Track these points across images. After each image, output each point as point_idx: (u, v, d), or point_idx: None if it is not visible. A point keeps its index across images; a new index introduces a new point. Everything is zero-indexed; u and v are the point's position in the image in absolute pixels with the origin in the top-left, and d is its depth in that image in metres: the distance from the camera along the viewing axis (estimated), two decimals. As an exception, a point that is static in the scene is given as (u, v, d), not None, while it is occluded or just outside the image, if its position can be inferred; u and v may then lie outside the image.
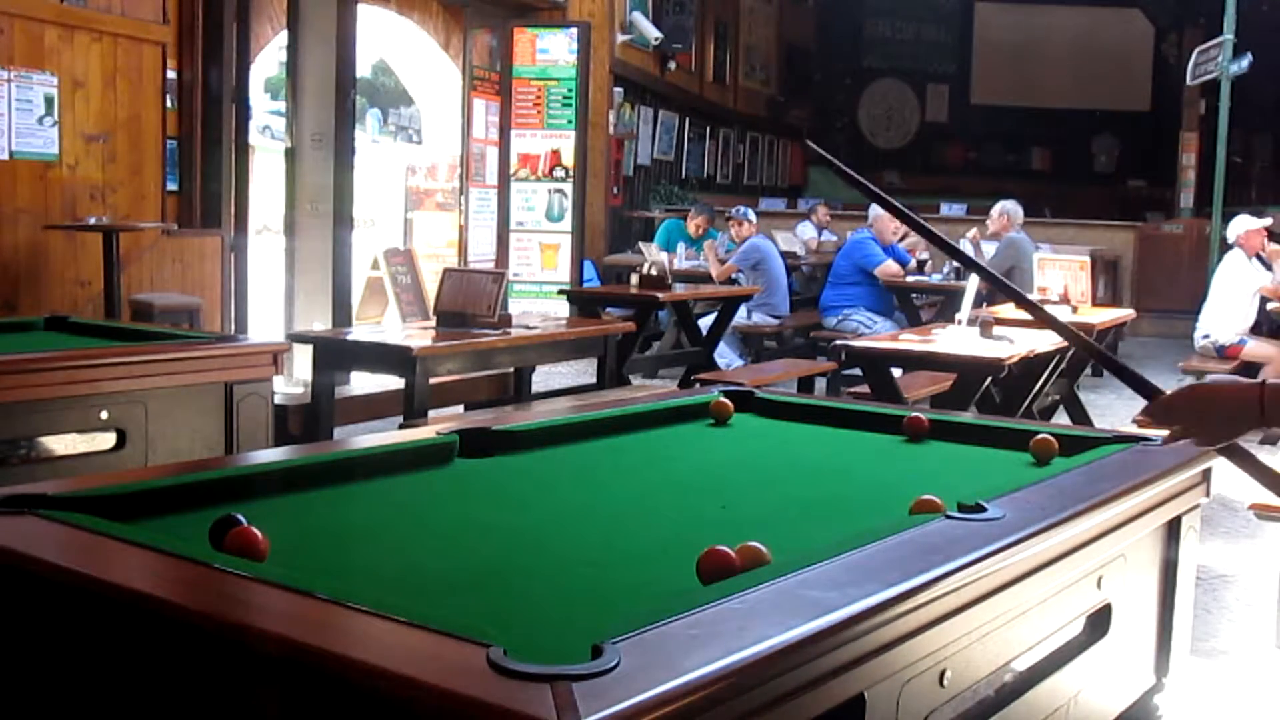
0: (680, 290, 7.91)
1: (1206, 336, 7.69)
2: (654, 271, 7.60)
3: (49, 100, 6.29)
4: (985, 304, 6.65)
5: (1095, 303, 7.83)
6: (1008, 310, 5.94)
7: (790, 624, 1.38)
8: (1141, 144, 17.30)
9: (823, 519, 2.05)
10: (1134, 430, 2.56)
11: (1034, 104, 17.65)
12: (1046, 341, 5.42)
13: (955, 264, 9.03)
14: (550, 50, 9.50)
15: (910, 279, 8.80)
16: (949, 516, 1.85)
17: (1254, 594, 4.25)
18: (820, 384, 7.48)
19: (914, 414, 2.80)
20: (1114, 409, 7.69)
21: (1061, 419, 6.53)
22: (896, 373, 5.67)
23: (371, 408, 5.89)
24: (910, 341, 5.65)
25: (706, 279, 9.03)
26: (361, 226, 9.99)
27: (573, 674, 1.21)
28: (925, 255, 9.73)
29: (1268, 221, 7.83)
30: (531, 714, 1.13)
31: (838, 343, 5.61)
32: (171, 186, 7.02)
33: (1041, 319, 2.03)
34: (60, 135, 6.35)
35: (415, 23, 9.22)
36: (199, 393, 3.82)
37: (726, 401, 2.95)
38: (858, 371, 5.86)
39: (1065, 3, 17.58)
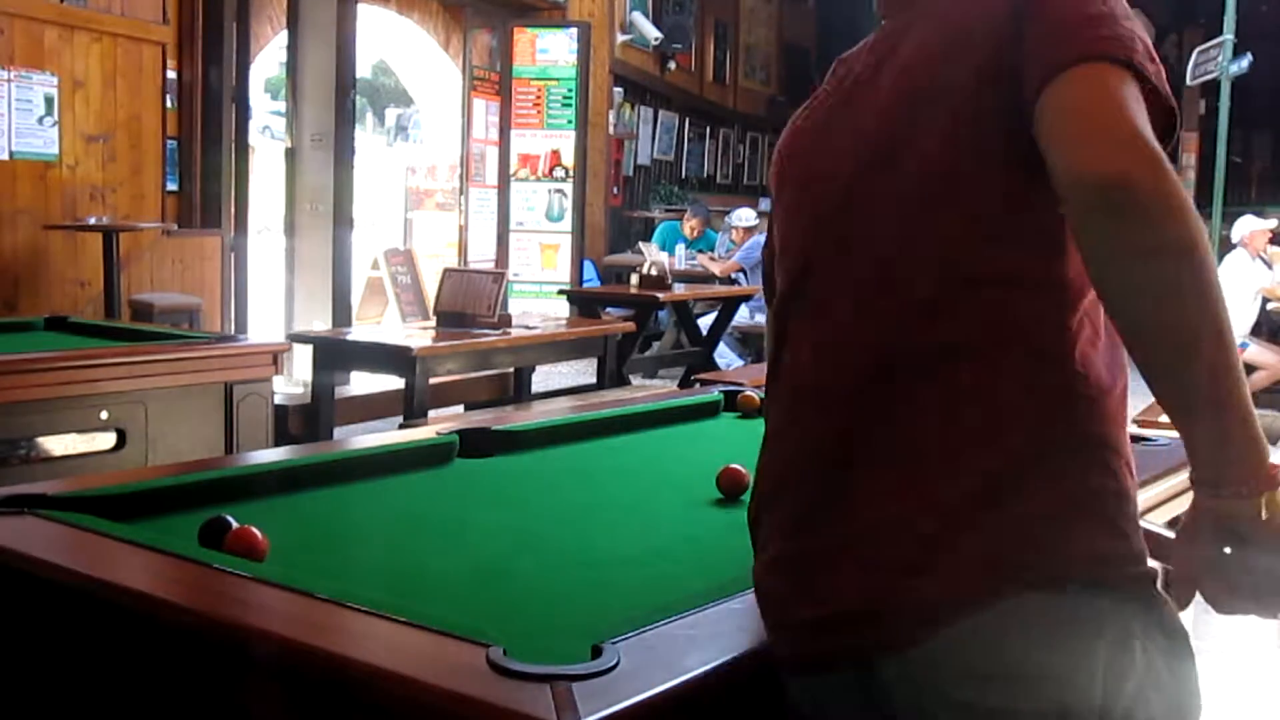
0: (680, 290, 7.92)
1: (1207, 336, 7.68)
2: (654, 271, 7.60)
3: (49, 100, 6.29)
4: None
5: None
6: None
7: (790, 624, 1.38)
8: (1142, 145, 17.27)
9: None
10: (1134, 430, 2.56)
11: (1034, 104, 17.62)
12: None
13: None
14: (550, 50, 9.50)
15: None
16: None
17: (1254, 594, 4.24)
18: (820, 384, 7.47)
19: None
20: (1114, 409, 7.68)
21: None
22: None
23: (371, 408, 5.89)
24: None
25: (706, 279, 9.03)
26: (367, 226, 9.99)
27: (572, 674, 1.21)
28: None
29: (1274, 223, 7.84)
30: (531, 714, 1.13)
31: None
32: (171, 186, 7.03)
33: None
34: (60, 135, 6.35)
35: (415, 23, 9.22)
36: (199, 393, 3.82)
37: (754, 396, 2.96)
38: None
39: (1065, 2, 17.55)
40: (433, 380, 5.17)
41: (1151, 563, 1.24)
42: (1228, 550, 1.13)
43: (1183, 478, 2.40)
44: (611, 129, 11.31)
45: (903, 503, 1.21)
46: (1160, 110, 1.20)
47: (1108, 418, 1.23)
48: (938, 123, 1.25)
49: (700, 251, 9.64)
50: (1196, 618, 2.96)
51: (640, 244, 9.49)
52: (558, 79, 9.49)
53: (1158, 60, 1.22)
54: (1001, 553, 1.18)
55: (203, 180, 7.11)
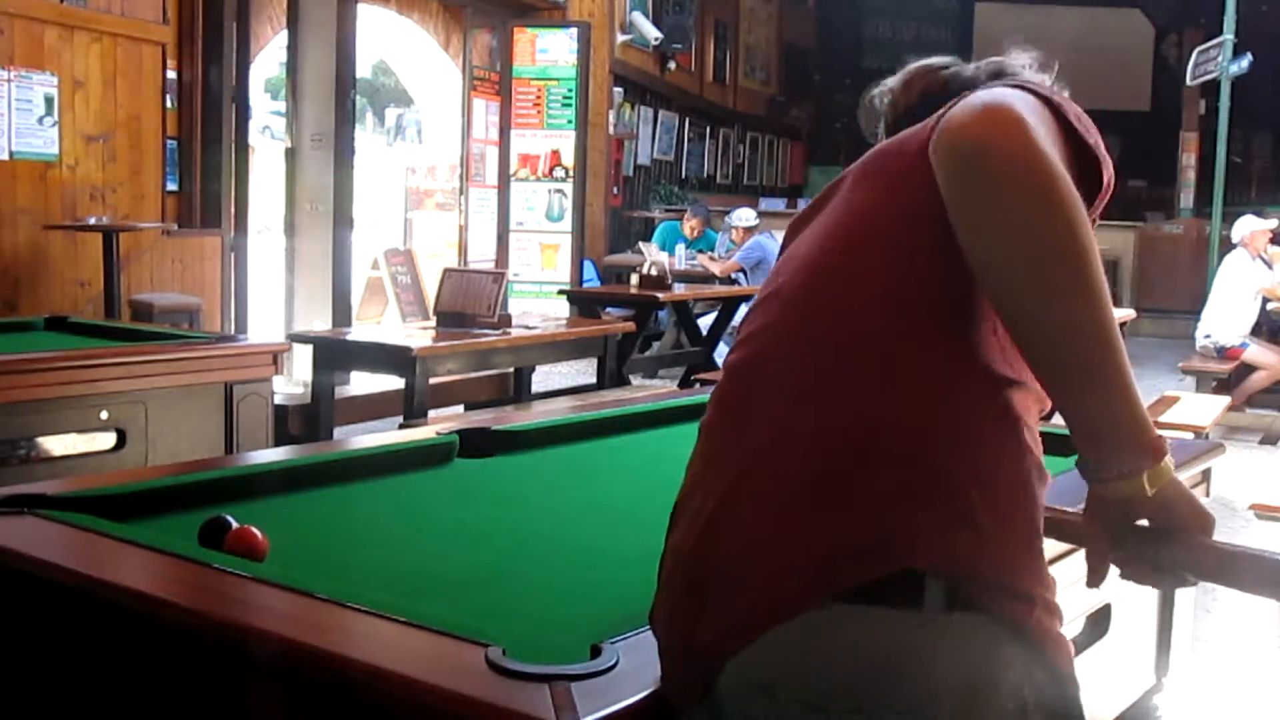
0: (680, 290, 7.91)
1: (1208, 337, 7.69)
2: (654, 271, 7.60)
3: (49, 100, 6.29)
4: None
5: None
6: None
7: (790, 624, 1.38)
8: (1141, 144, 17.28)
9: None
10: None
11: (1034, 104, 17.65)
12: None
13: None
14: (550, 50, 9.50)
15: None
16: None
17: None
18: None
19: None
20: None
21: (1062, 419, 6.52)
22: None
23: (371, 408, 5.89)
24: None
25: (706, 279, 9.03)
26: (367, 226, 9.99)
27: (571, 674, 1.21)
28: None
29: (1274, 223, 7.83)
30: (530, 713, 1.13)
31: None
32: (171, 186, 7.03)
33: None
34: (60, 135, 6.35)
35: (415, 23, 9.22)
36: (199, 393, 3.82)
37: None
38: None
39: (1065, 3, 17.58)
40: (433, 380, 5.17)
41: (1054, 599, 1.13)
42: (1141, 522, 1.11)
43: (1189, 475, 2.40)
44: (611, 129, 11.31)
45: (768, 510, 1.14)
46: (1088, 167, 1.16)
47: (996, 398, 1.15)
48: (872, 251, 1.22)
49: (700, 251, 9.64)
50: (1196, 618, 2.97)
51: (640, 244, 9.49)
52: (558, 79, 9.49)
53: (1097, 133, 1.18)
54: (814, 551, 1.08)
55: (203, 180, 7.11)
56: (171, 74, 6.92)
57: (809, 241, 1.30)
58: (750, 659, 1.10)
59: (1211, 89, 11.65)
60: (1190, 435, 4.89)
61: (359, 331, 6.78)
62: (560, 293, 8.44)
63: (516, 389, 6.45)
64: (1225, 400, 6.58)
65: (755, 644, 1.09)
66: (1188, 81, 11.37)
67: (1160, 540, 1.11)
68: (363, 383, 6.01)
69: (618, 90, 11.43)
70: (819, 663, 1.07)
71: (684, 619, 1.18)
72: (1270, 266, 7.72)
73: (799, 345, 1.21)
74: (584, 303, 7.88)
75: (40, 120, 6.26)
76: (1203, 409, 6.04)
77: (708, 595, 1.15)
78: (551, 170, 9.55)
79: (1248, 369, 7.59)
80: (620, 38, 11.38)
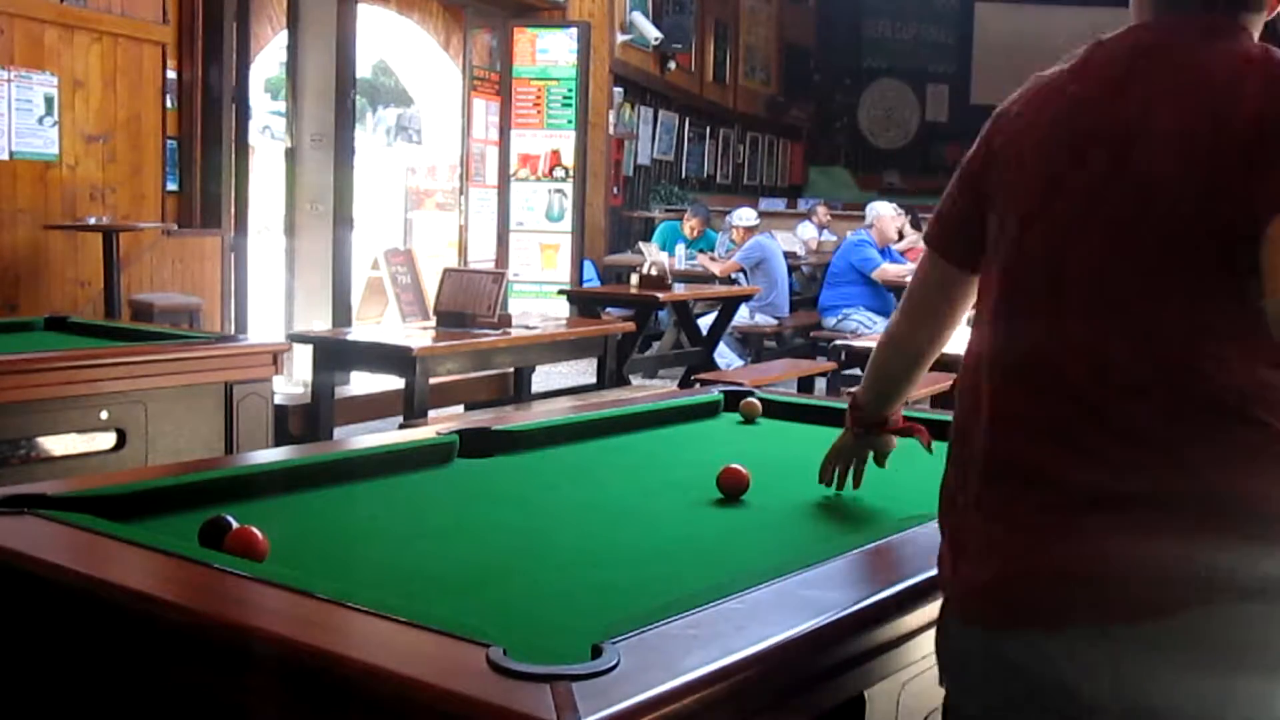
0: (680, 290, 7.92)
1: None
2: (654, 271, 7.60)
3: (49, 100, 6.29)
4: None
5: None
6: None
7: (790, 624, 1.38)
8: (1141, 144, 17.28)
9: (823, 518, 2.05)
10: None
11: (1034, 104, 17.66)
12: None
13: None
14: (550, 50, 9.50)
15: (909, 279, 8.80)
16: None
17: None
18: (820, 384, 7.47)
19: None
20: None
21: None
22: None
23: (371, 408, 5.89)
24: (910, 341, 5.63)
25: (706, 279, 9.03)
26: (367, 226, 9.99)
27: (572, 674, 1.21)
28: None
29: None
30: (531, 714, 1.13)
31: (837, 342, 5.61)
32: (171, 186, 7.02)
33: None
34: (60, 135, 6.35)
35: (415, 23, 9.22)
36: (199, 393, 3.82)
37: (756, 402, 2.95)
38: (858, 371, 5.86)
39: (1065, 3, 17.58)
40: (433, 380, 5.17)
41: None
42: None
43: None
44: (611, 129, 11.31)
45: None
46: None
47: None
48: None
49: (700, 251, 9.64)
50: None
51: (640, 244, 9.49)
52: (558, 79, 9.49)
53: None
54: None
55: (203, 180, 7.11)
56: (171, 74, 6.91)
57: (1100, 226, 1.35)
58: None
59: (1211, 89, 11.63)
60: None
61: (359, 331, 6.78)
62: (560, 293, 8.44)
63: (516, 389, 6.46)
64: (1225, 400, 6.56)
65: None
66: (1188, 81, 11.35)
67: None
68: (363, 383, 6.01)
69: (618, 90, 11.42)
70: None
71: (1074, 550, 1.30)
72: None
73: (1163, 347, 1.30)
74: (584, 303, 7.88)
75: (40, 120, 6.26)
76: (1203, 409, 6.02)
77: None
78: (551, 170, 9.55)
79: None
80: (620, 38, 11.38)
